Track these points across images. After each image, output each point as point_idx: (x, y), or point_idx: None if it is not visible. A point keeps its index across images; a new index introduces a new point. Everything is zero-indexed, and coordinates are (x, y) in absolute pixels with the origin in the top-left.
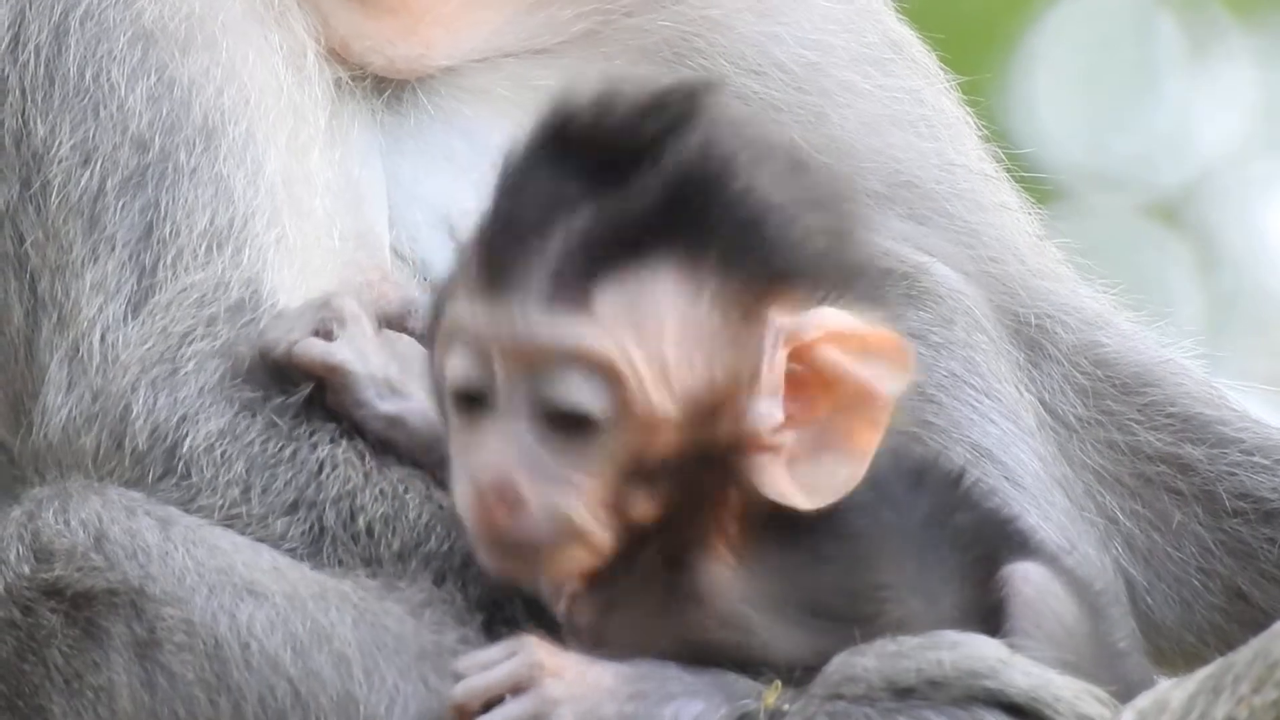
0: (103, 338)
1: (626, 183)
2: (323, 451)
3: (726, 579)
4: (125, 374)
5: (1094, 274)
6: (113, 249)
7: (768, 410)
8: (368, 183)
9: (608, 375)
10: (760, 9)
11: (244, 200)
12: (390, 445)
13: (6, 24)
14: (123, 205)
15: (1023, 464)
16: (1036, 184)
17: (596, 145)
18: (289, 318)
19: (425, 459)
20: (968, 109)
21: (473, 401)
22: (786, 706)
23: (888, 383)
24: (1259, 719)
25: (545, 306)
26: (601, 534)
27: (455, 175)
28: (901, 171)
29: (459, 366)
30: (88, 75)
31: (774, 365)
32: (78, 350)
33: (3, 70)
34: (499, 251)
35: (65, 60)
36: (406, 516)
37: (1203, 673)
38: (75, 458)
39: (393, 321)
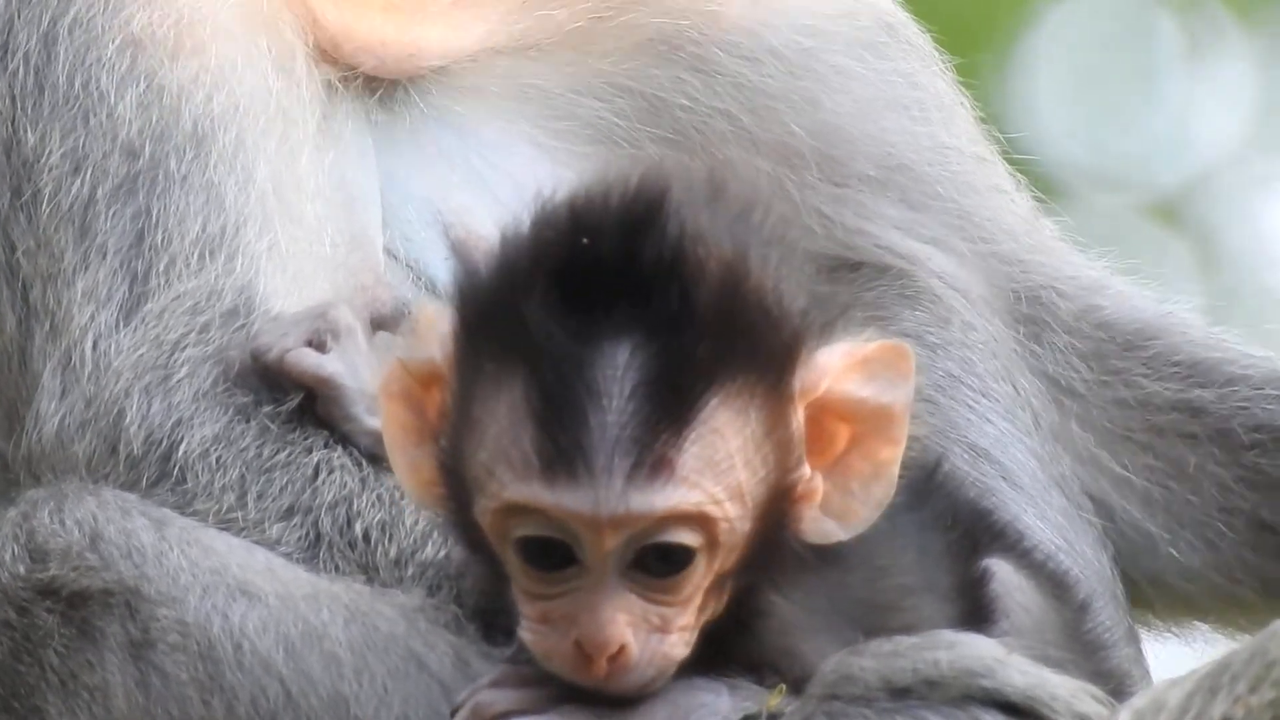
0: (95, 345)
1: (662, 331)
2: (318, 456)
3: (773, 616)
4: (118, 380)
5: None
6: (104, 257)
7: (801, 469)
8: (361, 184)
9: (699, 521)
10: None
11: (235, 207)
12: (378, 460)
13: None
14: (114, 213)
15: (1020, 463)
16: (1036, 183)
17: (603, 287)
18: (284, 324)
19: None
20: (962, 91)
21: (545, 548)
22: (789, 709)
23: (899, 395)
24: (1256, 718)
25: (634, 484)
26: (689, 650)
27: (449, 173)
28: (894, 155)
29: (530, 529)
30: (77, 83)
31: (799, 428)
32: (70, 358)
33: None
34: (564, 433)
35: (55, 68)
36: (403, 523)
37: (1200, 672)
38: (69, 464)
39: (385, 324)
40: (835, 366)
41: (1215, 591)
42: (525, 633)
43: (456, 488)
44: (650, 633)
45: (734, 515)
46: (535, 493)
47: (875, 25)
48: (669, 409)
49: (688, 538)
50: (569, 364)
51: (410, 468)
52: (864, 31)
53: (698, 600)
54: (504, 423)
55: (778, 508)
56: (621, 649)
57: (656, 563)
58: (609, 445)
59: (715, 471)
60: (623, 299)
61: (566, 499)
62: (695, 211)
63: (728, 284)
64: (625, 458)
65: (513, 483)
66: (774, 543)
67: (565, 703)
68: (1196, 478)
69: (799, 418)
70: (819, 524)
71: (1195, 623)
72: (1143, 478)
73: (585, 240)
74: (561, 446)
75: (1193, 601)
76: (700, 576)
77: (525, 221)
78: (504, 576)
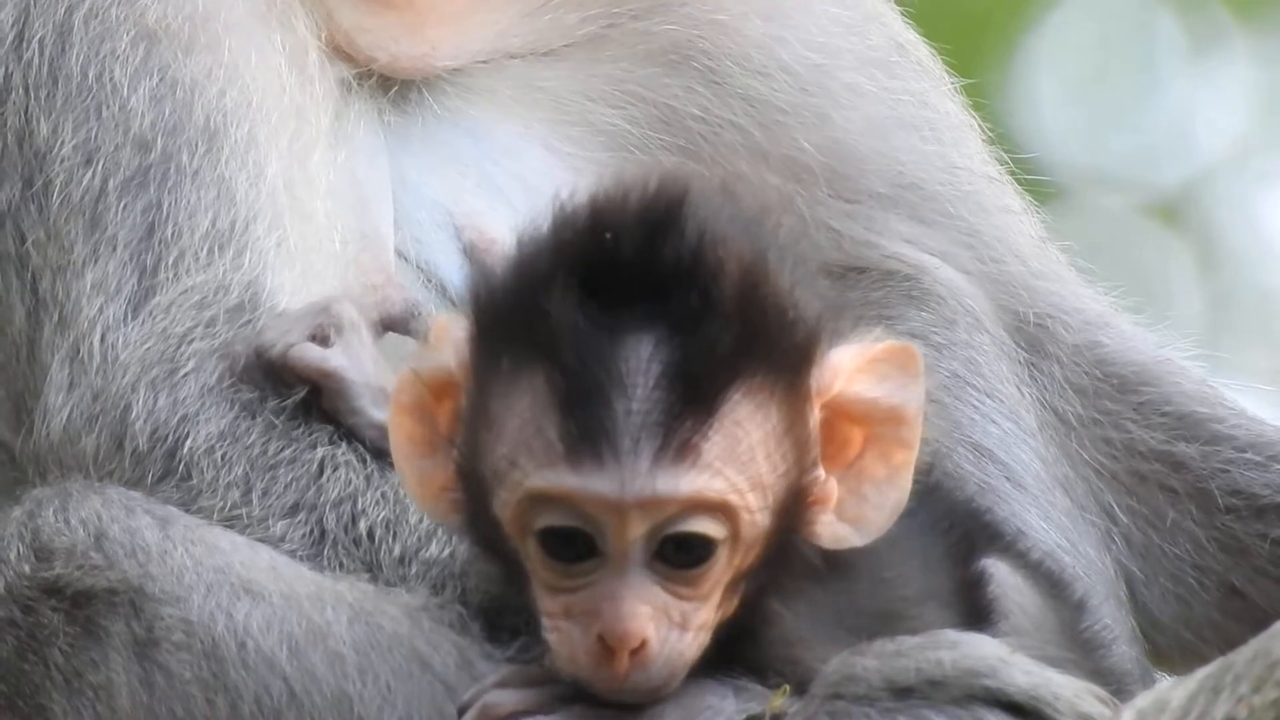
0: (103, 338)
1: (684, 326)
2: (322, 452)
3: (779, 623)
4: (125, 374)
5: (1094, 274)
6: (114, 249)
7: (816, 471)
8: (372, 183)
9: (722, 511)
10: (766, 12)
11: (246, 203)
12: (384, 454)
13: (10, 22)
14: (124, 206)
15: (1024, 464)
16: (1037, 184)
17: (624, 284)
18: (287, 320)
19: None
20: (970, 111)
21: (568, 538)
22: (792, 709)
23: (910, 395)
24: (1259, 718)
25: (660, 468)
26: (700, 652)
27: (460, 175)
28: (905, 174)
29: (553, 519)
30: (91, 75)
31: (815, 429)
32: (78, 350)
33: (6, 68)
34: (589, 419)
35: (69, 59)
36: (408, 521)
37: (1202, 672)
38: (76, 458)
39: (395, 324)
40: (847, 367)
41: (1183, 647)
42: (548, 633)
43: (474, 488)
44: (670, 629)
45: (756, 508)
46: (560, 478)
47: (886, 44)
48: (693, 398)
49: (711, 528)
50: (593, 353)
51: (419, 479)
52: (875, 50)
53: (717, 597)
54: (526, 414)
55: (794, 509)
56: (642, 644)
57: (679, 554)
58: (635, 429)
59: (738, 462)
60: (643, 297)
61: (592, 483)
62: (713, 214)
63: (746, 284)
64: (651, 441)
65: (536, 470)
66: (788, 546)
67: (573, 702)
68: (1174, 531)
69: (815, 418)
70: (834, 529)
71: (1157, 670)
72: (1126, 517)
73: (608, 236)
74: (587, 431)
75: (1160, 653)
76: (721, 571)
77: (543, 224)
78: (522, 576)
